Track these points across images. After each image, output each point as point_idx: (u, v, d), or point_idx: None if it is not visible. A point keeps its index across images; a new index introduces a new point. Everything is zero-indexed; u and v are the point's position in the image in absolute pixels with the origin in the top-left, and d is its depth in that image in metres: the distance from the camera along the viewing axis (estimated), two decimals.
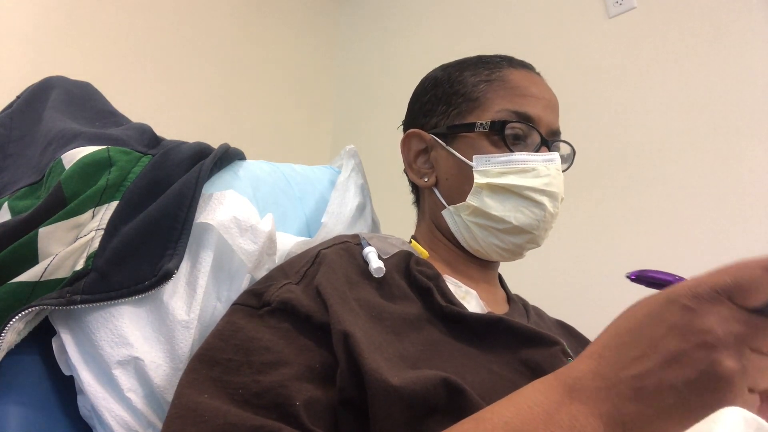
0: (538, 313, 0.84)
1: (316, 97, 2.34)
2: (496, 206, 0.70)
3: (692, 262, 1.30)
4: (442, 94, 0.78)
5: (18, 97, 0.85)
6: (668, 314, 0.38)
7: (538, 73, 0.78)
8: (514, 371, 0.57)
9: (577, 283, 1.42)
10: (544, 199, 0.70)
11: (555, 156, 0.73)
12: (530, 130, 0.72)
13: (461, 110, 0.75)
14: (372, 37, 2.33)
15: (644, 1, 1.53)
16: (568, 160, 0.79)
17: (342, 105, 2.36)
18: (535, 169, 0.70)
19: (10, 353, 0.58)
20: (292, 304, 0.56)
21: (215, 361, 0.54)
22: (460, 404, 0.49)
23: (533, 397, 0.41)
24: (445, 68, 0.82)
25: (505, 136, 0.71)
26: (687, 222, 1.33)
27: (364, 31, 2.37)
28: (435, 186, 0.77)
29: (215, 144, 0.79)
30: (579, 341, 0.84)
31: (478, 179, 0.71)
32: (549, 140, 0.74)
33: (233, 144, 0.82)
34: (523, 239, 0.72)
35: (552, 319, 0.86)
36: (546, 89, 0.76)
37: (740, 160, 1.29)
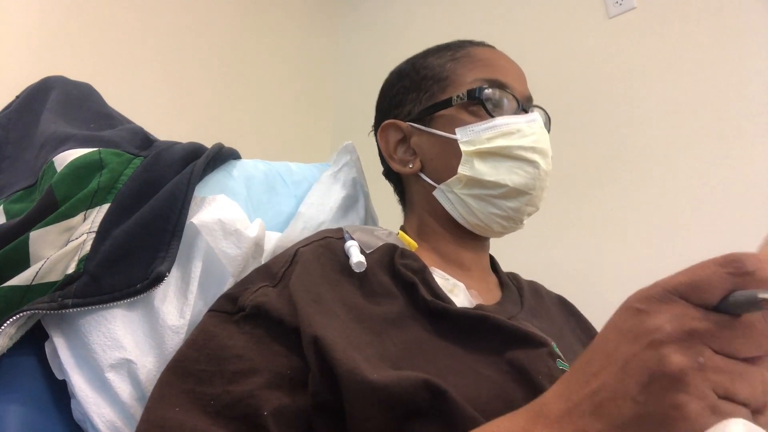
0: (536, 290, 0.81)
1: (316, 96, 2.33)
2: (489, 171, 0.69)
3: (691, 261, 1.29)
4: (410, 82, 0.78)
5: (17, 98, 0.84)
6: (621, 321, 0.37)
7: (499, 50, 0.78)
8: (500, 372, 0.55)
9: (577, 282, 1.42)
10: (536, 156, 0.69)
11: (536, 116, 0.72)
12: (507, 95, 0.71)
13: (433, 92, 0.75)
14: (372, 36, 2.32)
15: (644, 1, 1.52)
16: (545, 126, 0.77)
17: (342, 104, 2.36)
18: (520, 130, 0.69)
19: (7, 356, 0.58)
20: (266, 308, 0.55)
21: (188, 373, 0.53)
22: (443, 407, 0.48)
23: (501, 424, 0.41)
24: (407, 60, 0.82)
25: (484, 103, 0.70)
26: (686, 222, 1.33)
27: (364, 30, 2.37)
28: (421, 171, 0.75)
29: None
30: (578, 320, 0.82)
31: (466, 148, 0.69)
32: (525, 105, 0.73)
33: (233, 143, 0.81)
34: (521, 202, 0.70)
35: (553, 296, 0.84)
36: (512, 61, 0.77)
37: (740, 159, 1.28)
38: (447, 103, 0.72)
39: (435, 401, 0.48)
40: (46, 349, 0.62)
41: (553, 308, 0.80)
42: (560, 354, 0.59)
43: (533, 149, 0.69)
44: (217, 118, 1.96)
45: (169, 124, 0.77)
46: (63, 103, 0.81)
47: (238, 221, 0.67)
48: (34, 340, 0.62)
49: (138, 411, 0.60)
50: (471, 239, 0.76)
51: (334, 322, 0.54)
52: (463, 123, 0.71)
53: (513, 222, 0.72)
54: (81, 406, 0.59)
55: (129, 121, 0.84)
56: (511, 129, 0.69)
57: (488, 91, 0.70)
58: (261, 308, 0.55)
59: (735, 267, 0.34)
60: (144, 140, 0.74)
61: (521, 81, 0.75)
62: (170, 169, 0.67)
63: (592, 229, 1.47)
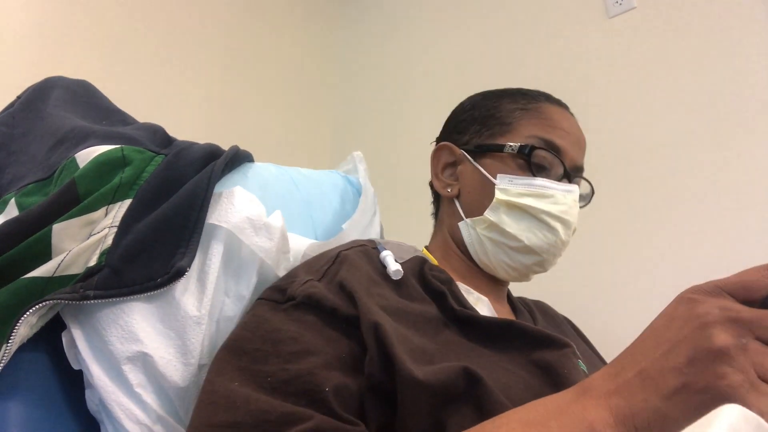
0: (546, 312, 0.86)
1: (315, 98, 2.34)
2: (511, 224, 0.73)
3: (691, 261, 1.31)
4: (478, 115, 0.81)
5: (18, 98, 0.85)
6: (673, 310, 0.41)
7: (572, 114, 0.81)
8: (529, 371, 0.59)
9: (575, 282, 1.43)
10: (558, 225, 0.73)
11: (574, 188, 0.75)
12: (555, 160, 0.74)
13: (493, 132, 0.78)
14: (372, 39, 2.32)
15: (644, 1, 1.54)
16: (586, 198, 0.82)
17: (342, 107, 2.36)
18: (554, 196, 0.73)
19: (18, 349, 0.59)
20: (317, 298, 0.58)
21: (243, 351, 0.56)
22: (478, 392, 0.52)
23: (549, 399, 0.45)
24: (485, 94, 0.85)
25: (531, 161, 0.73)
26: (686, 222, 1.34)
27: (364, 33, 2.37)
28: (457, 198, 0.80)
29: (216, 144, 0.79)
30: (584, 340, 0.86)
31: (499, 196, 0.73)
32: (571, 174, 0.76)
33: (232, 143, 0.83)
34: (531, 260, 0.74)
35: (560, 316, 0.89)
36: (577, 127, 0.79)
37: (740, 160, 1.30)
38: (500, 148, 0.76)
39: (471, 386, 0.52)
40: (63, 339, 0.63)
41: (564, 327, 0.85)
42: (579, 355, 0.63)
43: (557, 218, 0.73)
44: (216, 120, 1.97)
45: (166, 126, 0.78)
46: (70, 100, 0.83)
47: (262, 214, 0.69)
48: (45, 336, 0.63)
49: (154, 403, 0.61)
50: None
51: (383, 314, 0.57)
52: (507, 171, 0.74)
53: (519, 274, 0.76)
54: (98, 395, 0.61)
55: (133, 119, 0.85)
56: (546, 193, 0.73)
57: (538, 151, 0.73)
58: (312, 298, 0.58)
59: None
60: (164, 139, 0.76)
61: (578, 149, 0.78)
62: (190, 168, 0.69)
63: (590, 228, 1.49)
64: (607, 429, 0.39)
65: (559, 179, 0.74)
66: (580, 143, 0.79)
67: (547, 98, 0.80)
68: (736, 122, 1.32)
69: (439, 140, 0.87)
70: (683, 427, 0.35)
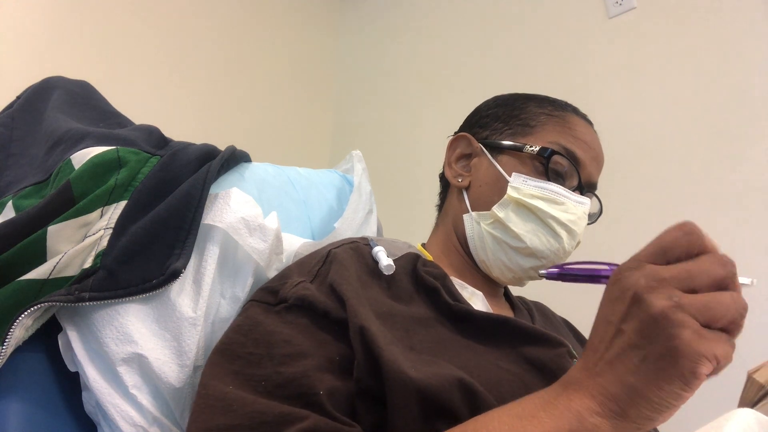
0: (544, 313, 0.86)
1: (315, 98, 2.34)
2: (517, 222, 0.72)
3: None
4: (502, 113, 0.81)
5: (18, 98, 0.85)
6: (609, 293, 0.44)
7: (595, 131, 0.81)
8: (521, 368, 0.59)
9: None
10: (563, 233, 0.72)
11: (586, 201, 0.75)
12: (572, 170, 0.74)
13: (515, 132, 0.78)
14: (372, 38, 2.33)
15: (644, 1, 1.54)
16: (593, 218, 0.81)
17: (341, 106, 2.37)
18: (565, 204, 0.72)
19: (15, 351, 0.59)
20: (310, 300, 0.58)
21: (237, 355, 0.56)
22: (474, 406, 0.52)
23: (536, 395, 0.47)
24: (513, 95, 0.85)
25: (548, 166, 0.73)
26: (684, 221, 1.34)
27: (364, 32, 2.38)
28: (466, 189, 0.79)
29: (215, 145, 0.79)
30: (579, 341, 0.86)
31: (510, 193, 0.73)
32: (585, 189, 0.76)
33: (231, 143, 0.82)
34: (529, 263, 0.73)
35: (559, 317, 0.88)
36: (598, 145, 0.79)
37: (740, 159, 1.30)
38: (520, 148, 0.75)
39: (467, 400, 0.52)
40: (59, 341, 0.63)
41: (562, 329, 0.84)
42: (576, 355, 0.63)
43: (564, 225, 0.72)
44: (216, 120, 1.98)
45: (166, 126, 0.78)
46: (69, 102, 0.83)
47: (258, 216, 0.68)
48: (42, 337, 0.63)
49: (150, 404, 0.61)
50: None
51: (371, 317, 0.57)
52: (522, 171, 0.74)
53: (514, 276, 0.76)
54: (94, 397, 0.61)
55: (131, 122, 0.85)
56: (558, 199, 0.72)
57: (557, 157, 0.73)
58: (305, 300, 0.58)
59: (691, 231, 0.42)
60: (159, 140, 0.76)
61: (595, 165, 0.78)
62: (186, 168, 0.69)
63: (590, 227, 1.48)
64: (593, 415, 0.41)
65: (572, 190, 0.74)
66: (599, 161, 0.79)
67: (574, 110, 0.80)
68: (736, 122, 1.32)
69: (458, 131, 0.86)
70: (660, 392, 0.39)
